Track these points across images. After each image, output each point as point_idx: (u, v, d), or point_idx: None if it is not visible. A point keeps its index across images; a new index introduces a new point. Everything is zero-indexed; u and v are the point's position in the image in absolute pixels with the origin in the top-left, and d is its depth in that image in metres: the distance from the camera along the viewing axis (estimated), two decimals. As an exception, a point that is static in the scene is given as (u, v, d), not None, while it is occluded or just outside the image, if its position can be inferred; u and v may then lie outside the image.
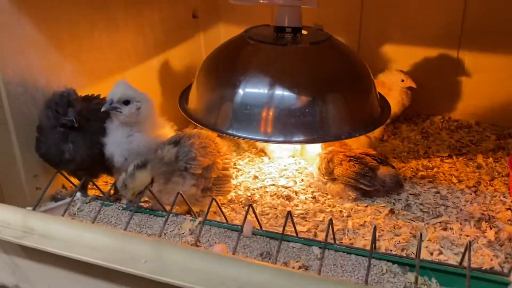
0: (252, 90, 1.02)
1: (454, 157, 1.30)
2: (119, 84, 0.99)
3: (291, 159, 1.31)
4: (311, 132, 1.01)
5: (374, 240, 0.78)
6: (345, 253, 0.81)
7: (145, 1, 1.32)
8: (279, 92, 1.01)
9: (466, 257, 0.69)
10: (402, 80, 1.43)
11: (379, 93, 1.15)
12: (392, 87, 1.42)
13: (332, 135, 1.03)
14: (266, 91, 1.01)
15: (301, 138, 1.02)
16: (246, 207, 1.06)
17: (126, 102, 0.96)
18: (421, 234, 0.72)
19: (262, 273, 0.59)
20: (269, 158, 1.30)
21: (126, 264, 0.64)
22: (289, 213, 0.79)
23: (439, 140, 1.42)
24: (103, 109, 0.95)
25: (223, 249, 0.78)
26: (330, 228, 0.80)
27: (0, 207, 0.75)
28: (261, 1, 1.09)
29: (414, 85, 1.44)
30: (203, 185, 0.98)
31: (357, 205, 1.06)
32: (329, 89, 1.02)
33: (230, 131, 1.03)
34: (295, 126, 1.01)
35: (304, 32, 1.11)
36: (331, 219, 0.77)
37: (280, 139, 1.02)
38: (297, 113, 1.00)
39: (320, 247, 0.82)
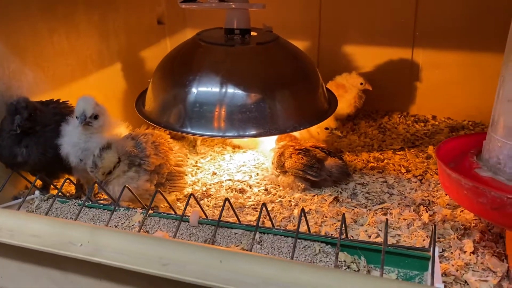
0: (203, 89, 1.08)
1: (406, 149, 1.36)
2: (87, 99, 1.04)
3: (251, 156, 1.36)
4: (260, 126, 1.06)
5: (306, 222, 0.83)
6: (282, 237, 0.86)
7: (108, 8, 1.38)
8: (229, 90, 1.06)
9: (377, 239, 0.75)
10: (361, 83, 1.50)
11: (327, 88, 1.21)
12: (349, 89, 1.49)
13: (279, 129, 1.08)
14: (217, 89, 1.07)
15: (251, 132, 1.07)
16: (201, 201, 1.11)
17: (96, 117, 1.03)
18: (344, 214, 0.77)
19: (185, 250, 0.64)
20: (244, 151, 1.37)
21: (64, 248, 0.69)
22: (226, 199, 0.84)
23: (395, 134, 1.48)
24: (78, 125, 1.01)
25: (164, 235, 0.83)
26: (266, 212, 0.85)
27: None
28: (210, 6, 1.14)
29: (370, 88, 1.50)
30: (156, 180, 1.03)
31: (306, 195, 1.11)
32: (275, 86, 1.08)
33: (185, 129, 1.08)
34: (244, 121, 1.06)
35: (253, 33, 1.17)
36: (263, 203, 0.82)
37: (233, 134, 1.07)
38: (245, 109, 1.06)
39: (260, 232, 0.87)
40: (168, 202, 0.94)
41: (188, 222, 0.91)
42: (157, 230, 0.91)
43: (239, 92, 1.06)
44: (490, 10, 1.42)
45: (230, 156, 1.37)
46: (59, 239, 0.70)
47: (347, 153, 1.35)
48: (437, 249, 0.74)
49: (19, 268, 0.82)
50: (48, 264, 0.79)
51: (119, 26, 1.42)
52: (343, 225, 0.76)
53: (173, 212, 0.97)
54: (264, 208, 0.82)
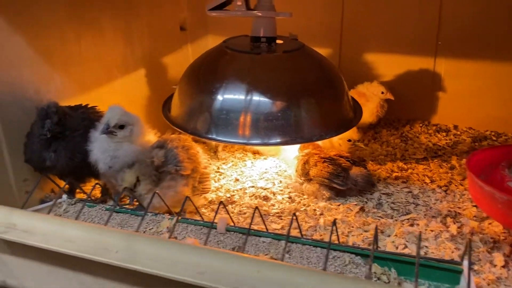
0: (229, 96, 1.08)
1: (430, 159, 1.35)
2: (114, 109, 1.04)
3: (273, 163, 1.36)
4: (285, 134, 1.06)
5: (337, 233, 0.83)
6: (311, 247, 0.86)
7: (133, 14, 1.39)
8: (255, 97, 1.07)
9: (404, 250, 0.74)
10: (382, 92, 1.49)
11: (351, 97, 1.21)
12: (371, 98, 1.49)
13: (305, 137, 1.08)
14: (242, 97, 1.07)
15: (276, 140, 1.07)
16: (221, 206, 1.11)
17: (121, 127, 1.03)
18: (376, 226, 0.77)
19: (222, 259, 0.64)
20: (265, 158, 1.38)
21: (99, 254, 0.69)
22: (256, 208, 0.85)
23: (417, 143, 1.47)
24: (99, 134, 1.01)
25: (194, 242, 0.83)
26: (296, 222, 0.85)
27: (-15, 206, 0.81)
28: (237, 14, 1.15)
29: (392, 98, 1.50)
30: (191, 184, 1.05)
31: (331, 204, 1.11)
32: (301, 94, 1.08)
33: (210, 136, 1.09)
34: (270, 129, 1.06)
35: (279, 41, 1.18)
36: (294, 213, 0.82)
37: (258, 141, 1.08)
38: (271, 117, 1.06)
39: (288, 241, 0.87)
40: (196, 209, 0.95)
41: (215, 229, 0.91)
42: (185, 237, 0.91)
43: (265, 99, 1.07)
44: (499, 16, 1.41)
45: (252, 162, 1.37)
46: (94, 245, 0.71)
47: (370, 162, 1.34)
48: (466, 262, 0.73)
49: (50, 271, 0.83)
50: (80, 268, 0.80)
51: (143, 31, 1.44)
52: (376, 237, 0.76)
53: (200, 219, 0.97)
54: (295, 218, 0.81)
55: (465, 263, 0.76)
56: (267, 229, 0.91)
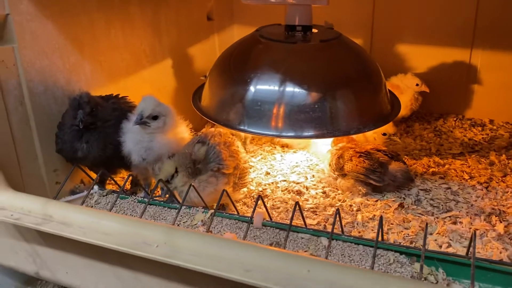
0: (263, 87, 1.05)
1: (467, 155, 1.30)
2: (148, 99, 1.02)
3: (303, 156, 1.33)
4: (321, 127, 1.02)
5: (381, 230, 0.79)
6: (353, 244, 0.83)
7: (161, 3, 1.36)
8: (289, 88, 1.03)
9: (449, 249, 0.70)
10: (417, 84, 1.44)
11: (389, 90, 1.16)
12: (405, 91, 1.44)
13: (342, 130, 1.04)
14: (276, 87, 1.03)
15: (311, 133, 1.03)
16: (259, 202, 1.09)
17: (155, 118, 1.00)
18: (426, 224, 0.73)
19: (270, 257, 0.61)
20: (294, 151, 1.35)
21: (139, 248, 0.67)
22: (297, 203, 0.81)
23: (452, 138, 1.42)
24: (133, 124, 0.98)
25: (233, 237, 0.80)
26: (338, 219, 0.82)
27: (20, 196, 0.80)
28: (273, 1, 1.11)
29: (427, 90, 1.44)
30: (232, 181, 1.02)
31: (367, 200, 1.07)
32: (339, 86, 1.04)
33: (242, 127, 1.06)
34: (305, 121, 1.03)
35: (314, 30, 1.14)
36: (337, 209, 0.79)
37: (291, 134, 1.04)
38: (307, 109, 1.02)
39: (328, 238, 0.83)
40: (232, 202, 0.92)
41: (252, 223, 0.88)
42: (220, 231, 0.89)
43: (300, 90, 1.03)
44: None
45: (281, 156, 1.34)
46: (133, 238, 0.68)
47: (404, 156, 1.29)
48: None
49: (86, 264, 0.81)
50: (117, 262, 0.78)
51: (171, 21, 1.41)
52: (425, 235, 0.72)
53: (235, 212, 0.94)
54: (338, 215, 0.78)
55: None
56: (305, 225, 0.87)
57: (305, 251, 0.82)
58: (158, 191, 1.08)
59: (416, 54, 1.57)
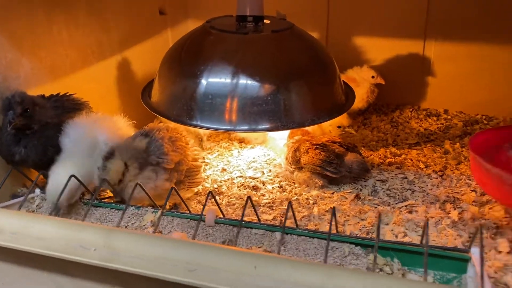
0: (214, 79, 1.01)
1: (422, 144, 1.31)
2: None
3: (260, 151, 1.30)
4: (275, 120, 1.00)
5: (334, 222, 0.77)
6: (307, 237, 0.81)
7: (109, -3, 1.30)
8: (242, 81, 1.00)
9: (404, 238, 0.69)
10: (373, 77, 1.44)
11: (343, 81, 1.15)
12: (361, 83, 1.43)
13: (296, 122, 1.02)
14: (228, 80, 1.00)
15: (265, 126, 1.01)
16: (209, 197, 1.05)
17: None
18: (379, 214, 0.72)
19: (215, 254, 0.58)
20: (252, 147, 1.32)
21: (75, 253, 0.62)
22: (248, 198, 0.78)
23: (408, 128, 1.42)
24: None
25: (182, 236, 0.76)
26: (291, 212, 0.79)
27: None
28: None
29: (383, 82, 1.45)
30: (176, 178, 0.97)
31: (324, 193, 1.05)
32: (292, 77, 1.02)
33: (194, 122, 1.02)
34: (258, 114, 1.00)
35: (266, 21, 1.11)
36: (290, 202, 0.76)
37: (245, 127, 1.01)
38: (260, 101, 0.99)
39: (284, 233, 0.81)
40: (182, 200, 0.88)
41: (204, 221, 0.85)
42: (171, 231, 0.84)
43: (253, 82, 1.00)
44: (504, 1, 1.37)
45: (238, 151, 1.31)
46: (68, 242, 0.63)
47: (361, 148, 1.29)
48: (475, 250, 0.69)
49: (22, 273, 0.75)
50: (55, 269, 0.72)
51: (120, 16, 1.35)
52: (378, 226, 0.71)
53: (187, 211, 0.90)
54: (291, 208, 0.75)
55: (474, 250, 0.72)
56: (259, 220, 0.84)
57: (258, 247, 0.79)
58: (108, 193, 1.03)
59: (372, 47, 1.57)
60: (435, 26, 1.48)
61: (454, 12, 1.44)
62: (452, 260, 0.73)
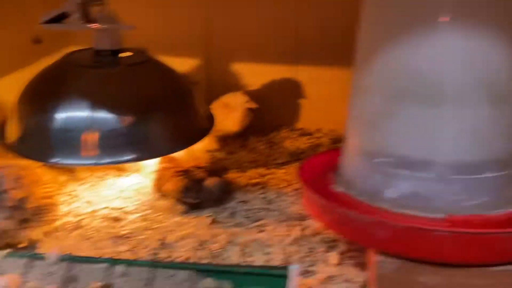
0: (70, 114, 1.03)
1: (292, 163, 1.40)
2: None
3: (135, 179, 1.31)
4: (138, 150, 1.04)
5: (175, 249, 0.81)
6: (151, 268, 0.83)
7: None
8: (99, 115, 1.02)
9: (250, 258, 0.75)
10: (247, 102, 1.52)
11: (207, 108, 1.21)
12: (235, 108, 1.51)
13: (156, 151, 1.07)
14: (85, 114, 1.02)
15: (128, 157, 1.04)
16: (70, 235, 1.05)
17: None
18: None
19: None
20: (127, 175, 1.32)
21: None
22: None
23: (282, 148, 1.51)
24: None
25: (13, 279, 0.76)
26: (136, 242, 0.82)
27: None
28: (73, 27, 1.09)
29: (253, 106, 1.53)
30: (19, 217, 0.95)
31: (184, 219, 1.09)
32: (148, 109, 1.06)
33: (54, 160, 1.02)
34: (120, 146, 1.02)
35: (125, 54, 1.14)
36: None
37: (108, 160, 1.03)
38: (119, 134, 1.02)
39: (123, 264, 0.83)
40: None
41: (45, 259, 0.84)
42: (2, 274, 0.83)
43: (110, 116, 1.03)
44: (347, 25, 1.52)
45: (113, 181, 1.31)
46: None
47: (234, 170, 1.35)
48: (293, 267, 0.76)
49: None
50: None
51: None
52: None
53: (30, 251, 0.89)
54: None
55: (293, 266, 0.79)
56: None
57: (98, 282, 0.80)
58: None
59: (250, 72, 1.66)
60: (304, 53, 1.60)
61: (319, 39, 1.57)
62: (273, 277, 0.79)
